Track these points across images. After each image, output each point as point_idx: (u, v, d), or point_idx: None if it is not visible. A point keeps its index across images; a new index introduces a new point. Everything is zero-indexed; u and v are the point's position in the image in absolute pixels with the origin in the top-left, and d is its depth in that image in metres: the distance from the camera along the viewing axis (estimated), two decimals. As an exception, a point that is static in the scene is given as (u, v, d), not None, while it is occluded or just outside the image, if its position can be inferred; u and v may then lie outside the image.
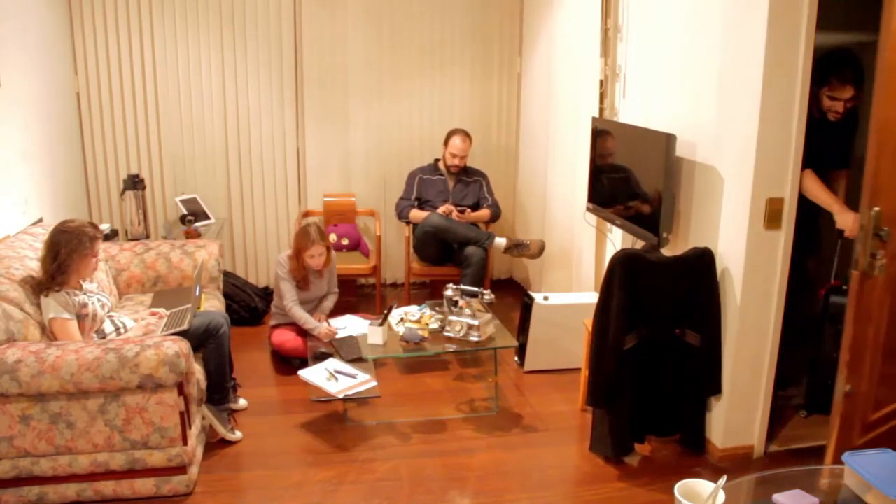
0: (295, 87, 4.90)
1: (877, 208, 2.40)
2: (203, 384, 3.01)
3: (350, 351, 3.40)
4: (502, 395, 3.68)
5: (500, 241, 4.40)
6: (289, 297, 3.79)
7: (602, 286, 2.91)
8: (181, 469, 2.74)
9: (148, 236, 4.37)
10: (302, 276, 3.84)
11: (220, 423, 3.13)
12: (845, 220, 2.92)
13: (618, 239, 3.83)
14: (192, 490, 2.79)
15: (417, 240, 4.57)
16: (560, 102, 4.31)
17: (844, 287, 2.93)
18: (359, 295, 5.23)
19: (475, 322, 3.43)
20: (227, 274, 4.55)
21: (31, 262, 3.00)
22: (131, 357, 2.58)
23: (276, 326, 3.96)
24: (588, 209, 3.86)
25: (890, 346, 2.56)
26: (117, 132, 4.69)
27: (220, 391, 3.14)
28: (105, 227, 4.16)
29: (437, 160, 4.81)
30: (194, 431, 2.87)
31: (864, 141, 2.44)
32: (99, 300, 3.00)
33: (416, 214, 4.61)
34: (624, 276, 2.83)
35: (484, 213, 4.70)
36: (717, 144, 2.94)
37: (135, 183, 4.23)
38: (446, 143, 4.67)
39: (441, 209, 4.49)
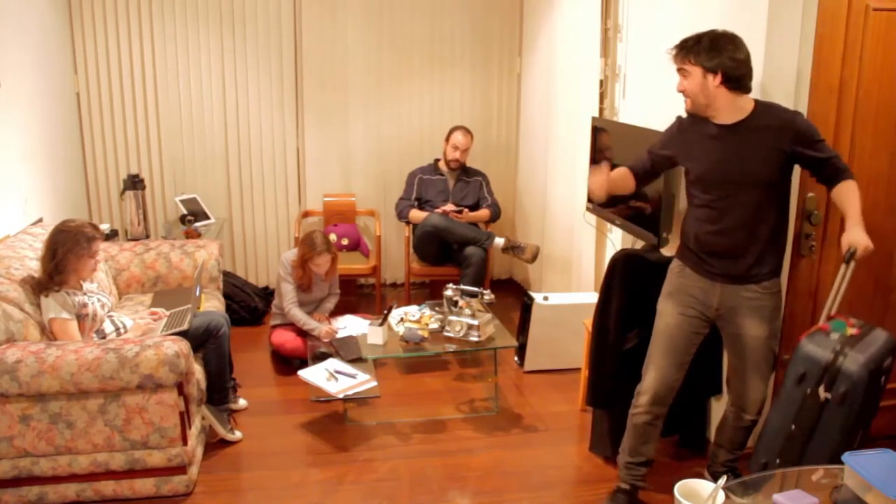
0: (295, 87, 4.90)
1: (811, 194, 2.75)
2: (203, 384, 3.01)
3: (350, 351, 3.40)
4: (502, 395, 3.68)
5: (499, 241, 4.40)
6: (288, 298, 3.79)
7: (602, 286, 2.91)
8: (181, 469, 2.74)
9: (148, 236, 4.37)
10: (306, 282, 3.84)
11: (220, 423, 3.13)
12: (857, 236, 2.20)
13: (618, 239, 3.83)
14: (191, 490, 2.79)
15: (417, 240, 4.56)
16: (560, 102, 4.30)
17: (834, 334, 2.15)
18: (359, 295, 5.23)
19: (475, 322, 3.42)
20: (227, 274, 4.55)
21: (31, 262, 3.00)
22: (131, 357, 2.58)
23: (276, 326, 3.96)
24: (588, 209, 3.86)
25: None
26: (117, 132, 4.69)
27: (219, 391, 3.14)
28: (105, 227, 4.16)
29: (437, 160, 4.81)
30: (194, 431, 2.87)
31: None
32: (99, 300, 3.00)
33: (416, 214, 4.61)
34: (624, 276, 2.83)
35: (483, 213, 4.70)
36: (717, 144, 2.93)
37: (135, 183, 4.23)
38: (448, 138, 4.67)
39: (440, 209, 4.50)
